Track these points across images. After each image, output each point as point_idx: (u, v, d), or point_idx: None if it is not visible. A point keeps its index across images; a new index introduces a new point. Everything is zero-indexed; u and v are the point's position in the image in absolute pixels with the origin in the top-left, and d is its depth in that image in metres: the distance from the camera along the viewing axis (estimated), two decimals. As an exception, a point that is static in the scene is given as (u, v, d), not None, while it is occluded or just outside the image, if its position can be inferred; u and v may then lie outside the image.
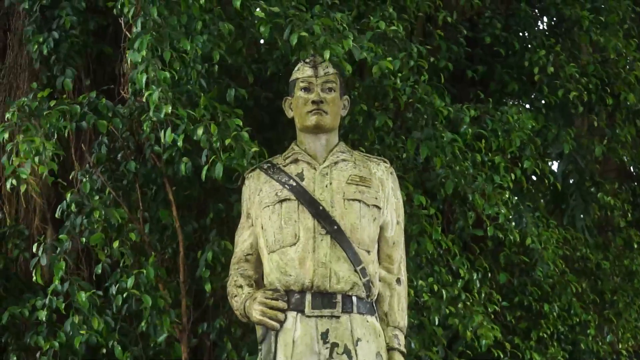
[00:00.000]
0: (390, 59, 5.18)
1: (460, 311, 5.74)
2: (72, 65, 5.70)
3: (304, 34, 4.76)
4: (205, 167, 4.73)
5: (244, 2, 4.93)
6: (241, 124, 4.80)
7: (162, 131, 4.90)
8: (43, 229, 6.04)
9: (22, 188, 5.02)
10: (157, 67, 4.71)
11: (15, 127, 5.00)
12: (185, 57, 4.89)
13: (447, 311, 5.65)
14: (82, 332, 4.99)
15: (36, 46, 5.64)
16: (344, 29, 4.97)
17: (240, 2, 4.86)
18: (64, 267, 5.03)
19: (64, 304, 5.08)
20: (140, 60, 4.73)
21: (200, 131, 4.71)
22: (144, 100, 4.83)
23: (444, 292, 5.66)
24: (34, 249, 5.15)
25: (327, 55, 4.64)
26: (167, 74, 4.74)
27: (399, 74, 5.38)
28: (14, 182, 4.88)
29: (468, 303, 5.82)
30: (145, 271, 4.99)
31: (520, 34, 7.16)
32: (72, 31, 5.67)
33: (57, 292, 5.09)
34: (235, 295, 4.20)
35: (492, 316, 6.19)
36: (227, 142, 4.70)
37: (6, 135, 4.94)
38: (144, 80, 4.71)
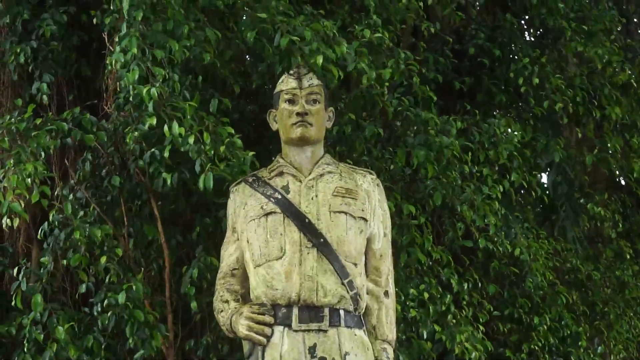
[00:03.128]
0: (387, 69, 5.16)
1: (449, 325, 5.69)
2: (51, 73, 5.65)
3: (295, 38, 4.72)
4: (203, 177, 4.66)
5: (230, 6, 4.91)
6: (233, 131, 4.75)
7: (165, 126, 4.79)
8: (27, 248, 5.98)
9: (15, 222, 4.95)
10: (147, 64, 4.67)
11: (1, 152, 4.95)
12: (172, 60, 4.84)
13: (435, 327, 5.60)
14: None
15: (13, 57, 5.60)
16: (334, 35, 4.94)
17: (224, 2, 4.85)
18: (40, 300, 4.97)
19: (42, 336, 5.00)
20: (130, 58, 4.68)
21: (191, 140, 4.66)
22: (131, 99, 4.75)
23: (430, 308, 5.61)
24: (14, 273, 5.10)
25: (319, 60, 4.60)
26: (162, 70, 4.69)
27: (387, 84, 5.35)
28: (9, 221, 4.82)
29: (456, 319, 5.77)
30: (134, 286, 4.93)
31: (507, 46, 7.16)
32: (52, 42, 5.63)
33: (37, 322, 5.03)
34: (222, 311, 4.15)
35: (483, 328, 6.14)
36: (221, 149, 4.65)
37: None
38: (135, 77, 4.66)
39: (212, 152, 4.65)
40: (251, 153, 4.68)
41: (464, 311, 5.97)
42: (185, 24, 4.84)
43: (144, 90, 4.67)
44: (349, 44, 5.15)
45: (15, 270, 5.13)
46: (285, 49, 4.88)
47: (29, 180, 4.73)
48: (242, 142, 4.90)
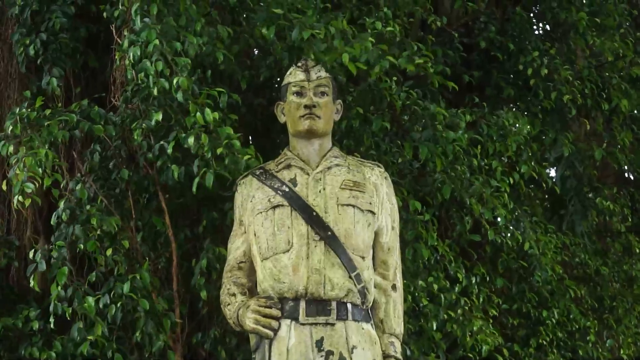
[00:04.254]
0: (402, 59, 5.15)
1: (459, 317, 5.68)
2: (60, 66, 5.63)
3: (316, 31, 4.72)
4: (197, 179, 4.67)
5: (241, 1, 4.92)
6: (232, 132, 4.74)
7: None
8: (35, 240, 5.98)
9: (27, 202, 4.91)
10: (169, 56, 4.67)
11: (14, 138, 4.93)
12: (182, 54, 4.85)
13: (446, 316, 5.59)
14: (89, 337, 4.92)
15: (22, 49, 5.58)
16: (353, 32, 4.94)
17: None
18: (66, 272, 4.94)
19: (70, 309, 4.99)
20: (151, 50, 4.67)
21: (191, 140, 4.66)
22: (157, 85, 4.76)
23: (442, 297, 5.60)
24: (31, 255, 5.08)
25: (346, 58, 4.58)
26: (188, 59, 4.69)
27: (395, 78, 5.33)
28: (21, 198, 4.79)
29: (467, 308, 5.77)
30: (139, 276, 4.92)
31: (517, 39, 7.13)
32: (61, 35, 5.61)
33: (61, 299, 5.00)
34: (229, 304, 4.14)
35: (491, 321, 6.13)
36: (219, 151, 4.64)
37: (11, 149, 4.86)
38: (160, 68, 4.66)
39: (210, 153, 4.65)
40: (247, 156, 4.67)
41: (474, 302, 5.96)
42: (198, 19, 4.84)
43: (175, 81, 4.67)
44: (359, 35, 5.14)
45: (32, 252, 5.10)
46: (296, 47, 4.87)
47: (40, 169, 4.73)
48: (250, 135, 4.90)
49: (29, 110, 4.97)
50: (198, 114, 4.71)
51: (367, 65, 5.00)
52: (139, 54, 4.74)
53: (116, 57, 5.19)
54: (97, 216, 4.97)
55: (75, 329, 4.97)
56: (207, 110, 4.70)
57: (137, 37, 4.77)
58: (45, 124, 4.90)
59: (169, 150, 4.80)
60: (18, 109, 4.99)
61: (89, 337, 4.92)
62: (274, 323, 3.93)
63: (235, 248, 4.24)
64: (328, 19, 5.02)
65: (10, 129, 4.90)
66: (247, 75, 5.40)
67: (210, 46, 4.93)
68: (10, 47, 6.07)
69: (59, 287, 4.93)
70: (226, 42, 5.03)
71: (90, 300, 4.91)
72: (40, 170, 4.73)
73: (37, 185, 4.79)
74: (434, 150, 5.46)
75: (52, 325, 5.02)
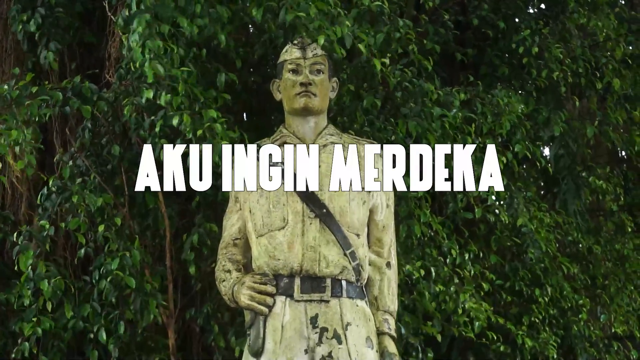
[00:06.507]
0: (381, 34, 5.13)
1: (452, 293, 5.70)
2: (57, 41, 5.60)
3: (301, 13, 4.71)
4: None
5: None
6: (215, 115, 4.74)
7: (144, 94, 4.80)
8: (29, 216, 5.99)
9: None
10: (152, 39, 4.66)
11: None
12: (179, 37, 4.82)
13: (438, 289, 5.61)
14: (71, 321, 4.94)
15: (20, 26, 5.56)
16: (338, 14, 4.92)
17: None
18: (31, 256, 4.96)
19: (29, 291, 5.00)
20: (138, 38, 4.66)
21: (175, 121, 4.67)
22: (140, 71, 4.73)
23: (432, 269, 5.62)
24: (15, 238, 5.10)
25: (321, 41, 4.59)
26: (160, 43, 4.68)
27: (389, 55, 5.32)
28: None
29: (457, 280, 5.79)
30: (128, 253, 4.93)
31: (511, 18, 7.12)
32: (58, 10, 5.59)
33: (31, 279, 5.02)
34: (224, 280, 4.14)
35: (483, 294, 6.16)
36: (198, 133, 4.64)
37: None
38: (139, 51, 4.65)
39: (191, 134, 4.65)
40: (234, 135, 4.67)
41: (465, 277, 5.98)
42: (197, 1, 4.82)
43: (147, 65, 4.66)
44: (347, 13, 5.12)
45: (15, 234, 5.11)
46: (289, 25, 4.86)
47: (17, 148, 4.73)
48: (244, 112, 4.87)
49: (15, 88, 4.96)
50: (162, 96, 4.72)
51: (342, 48, 5.00)
52: (137, 38, 4.72)
53: (116, 30, 5.16)
54: (80, 194, 4.97)
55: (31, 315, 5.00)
56: (164, 93, 4.71)
57: (131, 18, 4.74)
58: (26, 103, 4.88)
59: (157, 129, 4.79)
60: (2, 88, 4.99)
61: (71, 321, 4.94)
62: (269, 300, 3.94)
63: (231, 225, 4.25)
64: None
65: None
66: (241, 52, 5.39)
67: (212, 28, 4.91)
68: (5, 22, 6.05)
69: (27, 268, 4.96)
70: (226, 23, 5.01)
71: (46, 283, 4.92)
72: (16, 148, 4.73)
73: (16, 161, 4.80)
74: (424, 126, 5.46)
75: (27, 303, 5.04)
